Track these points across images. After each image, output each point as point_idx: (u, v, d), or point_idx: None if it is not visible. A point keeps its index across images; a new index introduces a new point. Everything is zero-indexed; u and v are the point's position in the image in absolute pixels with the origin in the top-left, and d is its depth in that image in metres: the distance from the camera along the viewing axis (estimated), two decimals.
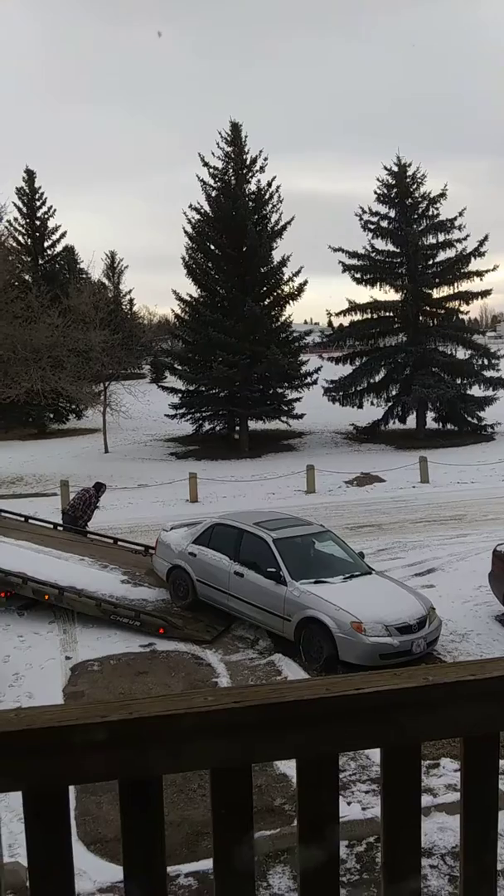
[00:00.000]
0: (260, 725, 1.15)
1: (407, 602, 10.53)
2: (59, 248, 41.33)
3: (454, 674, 1.23)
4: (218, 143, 32.18)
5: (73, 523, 15.64)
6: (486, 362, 32.64)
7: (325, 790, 1.21)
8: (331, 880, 1.22)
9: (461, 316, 34.74)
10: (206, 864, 5.40)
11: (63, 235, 40.97)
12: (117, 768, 1.12)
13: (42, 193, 40.32)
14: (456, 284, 33.09)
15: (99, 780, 1.13)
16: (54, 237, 40.89)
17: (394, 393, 33.17)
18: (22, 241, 39.81)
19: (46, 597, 11.94)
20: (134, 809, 1.16)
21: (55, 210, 40.60)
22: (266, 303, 32.57)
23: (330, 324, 35.35)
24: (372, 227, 33.19)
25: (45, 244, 40.74)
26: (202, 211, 32.13)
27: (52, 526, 15.42)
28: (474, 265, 32.71)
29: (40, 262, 40.30)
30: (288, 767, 6.67)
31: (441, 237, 32.89)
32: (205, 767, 1.16)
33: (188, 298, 32.90)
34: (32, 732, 1.08)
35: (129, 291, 63.53)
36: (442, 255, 33.10)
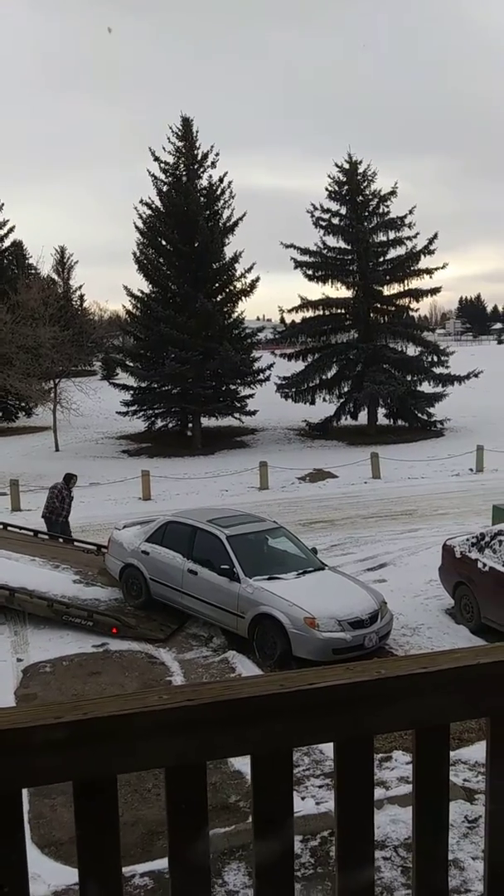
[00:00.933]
0: (215, 722, 1.15)
1: (359, 597, 10.63)
2: (6, 243, 40.73)
3: (406, 667, 1.25)
4: (169, 138, 32.06)
5: (50, 524, 15.31)
6: (435, 359, 33.08)
7: (279, 785, 1.22)
8: (286, 875, 1.23)
9: (411, 313, 35.28)
10: (162, 864, 5.38)
11: (11, 230, 40.46)
12: (72, 770, 1.12)
13: None
14: (406, 282, 33.50)
15: (53, 782, 1.12)
16: (2, 232, 40.28)
17: (345, 389, 33.44)
18: None
19: None
20: (88, 811, 1.15)
21: (2, 205, 39.99)
22: (218, 299, 32.52)
23: (282, 320, 35.47)
24: (324, 224, 33.39)
25: None
26: (153, 206, 31.94)
27: (32, 533, 14.92)
28: (424, 263, 33.18)
29: None
30: (242, 764, 6.69)
31: (391, 235, 33.28)
32: (160, 766, 1.16)
33: (139, 294, 32.69)
34: None
35: (80, 287, 63.02)
36: (392, 253, 33.48)
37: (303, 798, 6.44)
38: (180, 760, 1.16)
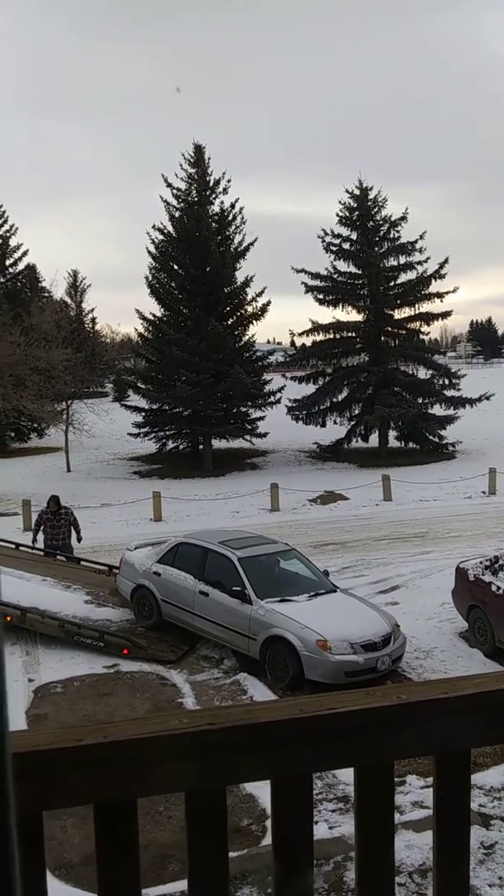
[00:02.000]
0: (235, 746, 1.15)
1: (371, 619, 10.56)
2: (20, 266, 41.10)
3: (426, 692, 1.25)
4: (181, 165, 32.39)
5: (51, 547, 14.93)
6: (446, 382, 33.06)
7: (299, 810, 1.22)
8: None
9: (422, 336, 35.29)
10: (173, 887, 5.33)
11: (25, 254, 40.78)
12: (92, 793, 1.12)
13: (3, 211, 40.13)
14: (417, 306, 33.58)
15: (73, 805, 1.13)
16: (16, 255, 40.67)
17: (356, 412, 33.43)
18: None
19: (9, 618, 11.74)
20: (109, 834, 1.15)
21: (17, 228, 40.44)
22: (230, 322, 32.68)
23: (293, 343, 35.62)
24: (334, 248, 33.57)
25: (7, 262, 40.47)
26: (165, 231, 32.21)
27: (43, 553, 14.81)
28: (434, 287, 33.24)
29: (2, 280, 40.04)
30: (254, 788, 6.63)
31: (402, 259, 33.39)
32: (180, 790, 1.17)
33: (151, 317, 32.89)
34: None
35: (92, 310, 63.53)
36: (403, 277, 33.59)
37: (316, 822, 6.38)
38: (200, 784, 1.16)
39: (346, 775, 1.23)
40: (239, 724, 1.16)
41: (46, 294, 41.29)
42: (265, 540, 12.71)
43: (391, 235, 33.52)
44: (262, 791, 6.57)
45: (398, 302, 33.55)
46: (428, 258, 33.09)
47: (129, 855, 1.17)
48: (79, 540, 15.13)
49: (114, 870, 1.17)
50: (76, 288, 61.94)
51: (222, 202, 32.52)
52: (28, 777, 1.09)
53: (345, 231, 33.70)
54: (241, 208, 32.47)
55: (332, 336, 34.29)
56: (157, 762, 1.13)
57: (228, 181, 32.40)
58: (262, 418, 32.34)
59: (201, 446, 32.47)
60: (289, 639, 10.11)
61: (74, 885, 5.68)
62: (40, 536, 14.99)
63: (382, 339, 33.92)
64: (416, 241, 33.05)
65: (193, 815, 1.18)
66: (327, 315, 34.60)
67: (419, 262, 33.12)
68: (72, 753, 1.10)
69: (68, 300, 55.06)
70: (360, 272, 33.57)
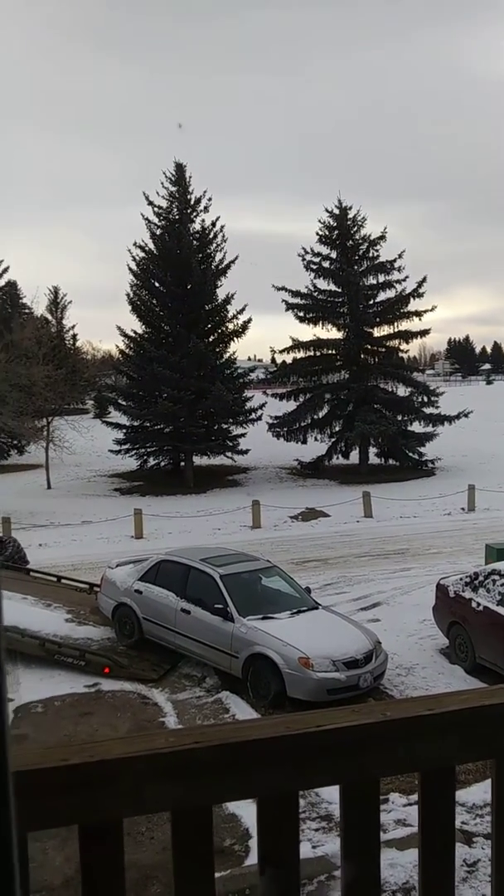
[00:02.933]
0: (221, 765, 1.15)
1: (353, 636, 10.57)
2: (1, 282, 41.01)
3: (411, 709, 1.26)
4: (163, 183, 32.52)
5: None
6: (425, 399, 33.28)
7: (286, 828, 1.22)
8: None
9: (401, 354, 35.52)
10: None
11: (6, 270, 40.74)
12: (77, 813, 1.11)
13: None
14: (396, 324, 33.86)
15: (58, 826, 1.12)
16: None
17: (337, 429, 33.55)
18: None
19: None
20: (94, 855, 1.14)
21: None
22: (211, 339, 32.76)
23: (274, 361, 35.76)
24: (314, 267, 33.81)
25: None
26: (147, 249, 32.30)
27: (25, 571, 14.84)
28: (413, 305, 33.57)
29: None
30: (237, 807, 6.58)
31: (381, 278, 33.69)
32: (166, 809, 1.16)
33: (133, 334, 32.90)
34: None
35: (73, 327, 63.27)
36: (382, 296, 33.88)
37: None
38: (186, 803, 1.16)
39: (329, 793, 1.23)
40: (226, 742, 1.16)
41: (27, 311, 41.21)
42: (247, 557, 12.69)
43: (370, 254, 33.84)
44: (244, 810, 6.52)
45: (377, 320, 33.80)
46: (406, 277, 33.48)
47: (114, 877, 1.16)
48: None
49: (99, 890, 1.16)
50: (57, 304, 61.80)
51: (203, 220, 32.74)
52: (12, 798, 1.08)
53: (325, 249, 34.01)
54: (223, 226, 32.69)
55: (312, 353, 34.46)
56: (144, 781, 1.13)
57: (209, 199, 32.63)
58: (243, 435, 32.36)
59: (182, 463, 32.42)
60: (271, 656, 10.09)
61: None
62: None
63: (362, 356, 34.14)
64: (394, 260, 33.42)
65: (179, 835, 1.17)
66: (308, 332, 34.91)
67: (398, 281, 33.48)
68: (58, 773, 1.09)
69: (49, 317, 54.97)
70: (339, 290, 33.82)
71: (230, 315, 32.96)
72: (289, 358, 34.98)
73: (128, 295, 32.60)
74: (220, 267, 32.53)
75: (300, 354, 34.54)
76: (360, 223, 33.86)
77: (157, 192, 32.38)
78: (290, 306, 33.79)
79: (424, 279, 33.47)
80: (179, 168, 32.53)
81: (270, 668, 10.08)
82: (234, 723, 1.31)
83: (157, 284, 32.44)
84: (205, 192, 32.69)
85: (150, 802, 1.15)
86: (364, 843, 1.26)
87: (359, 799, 1.24)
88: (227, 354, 33.55)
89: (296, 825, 1.23)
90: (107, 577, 12.80)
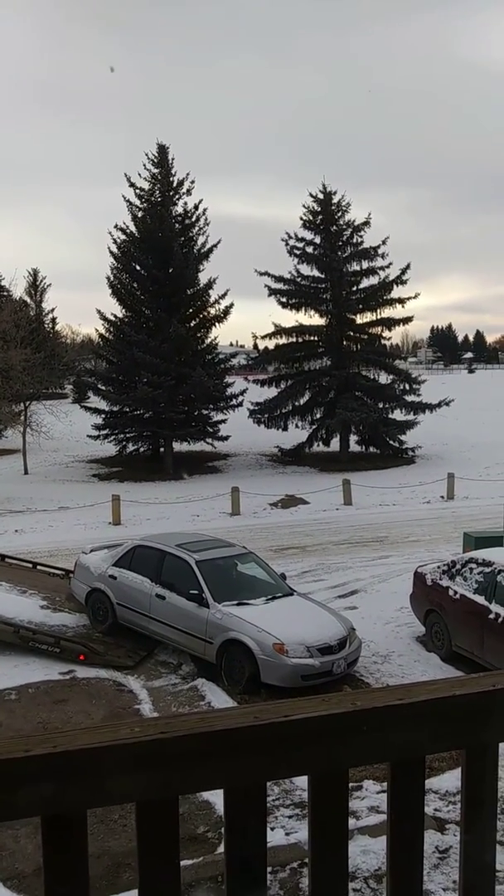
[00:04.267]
0: (188, 756, 1.13)
1: (327, 623, 10.64)
2: None
3: (381, 699, 1.24)
4: (145, 165, 32.29)
5: None
6: (407, 387, 33.39)
7: (252, 819, 1.20)
8: None
9: (384, 341, 35.57)
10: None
11: None
12: (40, 804, 1.09)
13: None
14: (379, 311, 33.90)
15: (21, 817, 1.09)
16: None
17: (318, 416, 33.59)
18: None
19: None
20: (57, 846, 1.12)
21: None
22: (192, 324, 32.65)
23: (255, 346, 35.74)
24: (298, 252, 33.73)
25: None
26: (128, 231, 32.05)
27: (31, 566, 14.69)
28: (396, 292, 33.64)
29: None
30: (211, 795, 6.59)
31: (365, 264, 33.66)
32: (131, 800, 1.14)
33: (113, 318, 32.69)
34: None
35: (52, 310, 62.79)
36: (365, 282, 33.89)
37: (272, 829, 6.36)
38: (152, 794, 1.13)
39: (303, 781, 1.21)
40: (192, 732, 1.14)
41: (5, 293, 40.76)
42: (223, 543, 12.69)
43: (354, 240, 33.81)
44: (218, 798, 6.49)
45: (360, 307, 33.81)
46: (390, 264, 33.50)
47: (78, 868, 1.14)
48: None
49: (62, 883, 1.13)
50: (36, 287, 61.28)
51: (186, 203, 32.57)
52: None
53: (308, 235, 33.95)
54: (205, 210, 32.54)
55: (294, 340, 34.43)
56: (108, 772, 1.10)
57: (192, 182, 32.45)
58: (223, 421, 32.33)
59: (162, 449, 32.33)
60: (245, 642, 10.14)
61: None
62: None
63: (344, 343, 34.17)
64: (378, 247, 33.39)
65: (144, 826, 1.15)
66: (290, 318, 34.85)
67: (381, 268, 33.49)
68: (20, 764, 1.07)
69: (28, 300, 54.47)
70: (323, 276, 33.78)
71: (212, 300, 32.91)
72: (271, 344, 34.98)
73: (108, 278, 32.42)
74: (203, 251, 32.38)
75: (282, 340, 34.53)
76: (344, 208, 33.83)
77: (139, 174, 32.22)
78: (272, 291, 33.70)
79: (408, 266, 33.58)
80: (162, 150, 32.28)
81: (245, 654, 10.13)
82: (201, 712, 1.29)
83: (138, 268, 32.22)
84: (187, 174, 32.58)
85: (115, 793, 1.13)
86: (332, 834, 1.25)
87: (327, 789, 1.23)
88: (209, 340, 33.50)
89: (263, 816, 1.21)
90: (80, 562, 12.75)
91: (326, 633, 10.31)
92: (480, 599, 10.43)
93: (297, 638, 10.07)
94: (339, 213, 33.83)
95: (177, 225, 32.10)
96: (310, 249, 33.80)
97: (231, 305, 32.90)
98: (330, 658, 10.03)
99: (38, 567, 14.42)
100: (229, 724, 1.17)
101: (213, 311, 33.08)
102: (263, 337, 34.84)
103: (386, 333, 34.92)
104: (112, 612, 11.94)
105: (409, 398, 33.14)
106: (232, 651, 10.32)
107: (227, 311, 32.90)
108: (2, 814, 1.09)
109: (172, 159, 32.40)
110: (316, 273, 33.92)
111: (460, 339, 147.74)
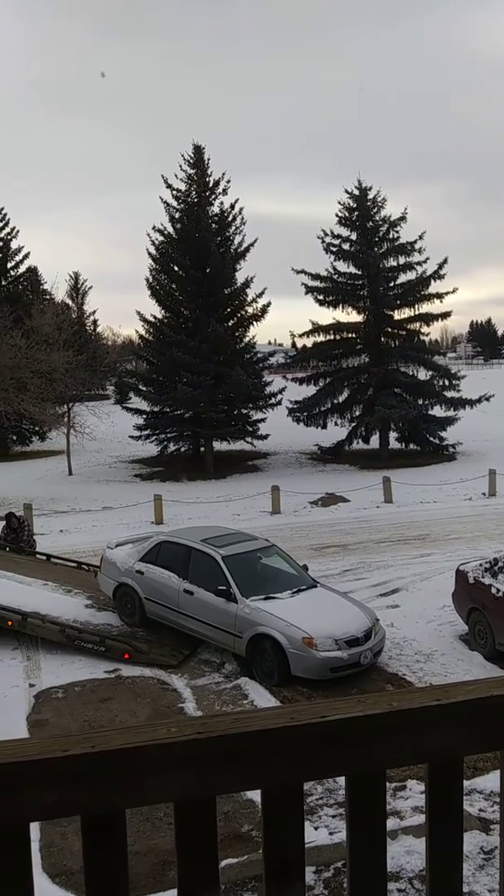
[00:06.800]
0: (224, 756, 1.14)
1: (353, 615, 10.78)
2: (21, 269, 41.08)
3: (419, 699, 1.23)
4: (181, 166, 32.44)
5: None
6: (446, 383, 33.03)
7: (290, 819, 1.20)
8: None
9: (422, 337, 35.23)
10: (173, 894, 5.30)
11: (26, 256, 40.74)
12: (79, 804, 1.10)
13: (4, 214, 40.14)
14: (416, 306, 33.56)
15: (60, 817, 1.11)
16: (17, 258, 40.64)
17: (357, 413, 33.41)
18: None
19: (9, 623, 11.75)
20: (96, 844, 1.13)
21: (18, 231, 40.46)
22: (230, 324, 32.69)
23: (293, 345, 35.63)
24: (334, 249, 33.57)
25: (8, 265, 40.45)
26: (166, 232, 32.24)
27: (45, 557, 15.03)
28: (434, 287, 33.25)
29: (3, 283, 40.01)
30: (254, 793, 6.60)
31: (401, 260, 33.37)
32: (168, 800, 1.15)
33: (152, 319, 32.92)
34: None
35: (93, 312, 63.44)
36: (403, 278, 33.59)
37: (316, 828, 6.35)
38: (189, 794, 1.14)
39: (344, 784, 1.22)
40: (228, 733, 1.15)
41: (47, 296, 41.30)
42: (246, 536, 12.77)
43: (391, 236, 33.53)
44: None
45: (398, 302, 33.54)
46: (427, 259, 33.14)
47: (117, 866, 1.15)
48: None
49: (102, 881, 1.15)
50: (77, 290, 61.96)
51: (222, 203, 32.61)
52: (15, 787, 1.07)
53: (344, 231, 33.74)
54: (241, 209, 32.55)
55: (332, 337, 34.30)
56: (145, 772, 1.11)
57: (228, 182, 32.50)
58: (262, 420, 32.33)
59: (202, 448, 32.46)
60: (275, 637, 10.28)
61: (74, 893, 5.67)
62: None
63: (382, 339, 33.92)
64: (415, 242, 33.08)
65: (183, 826, 1.16)
66: (327, 316, 34.63)
67: (419, 263, 33.15)
68: (59, 764, 1.08)
69: (69, 302, 55.08)
70: (359, 273, 33.58)
71: (249, 299, 32.89)
72: (309, 342, 34.88)
73: (147, 280, 32.64)
74: (240, 250, 32.42)
75: (320, 338, 34.41)
76: (380, 204, 33.57)
77: (176, 175, 32.35)
78: (309, 289, 33.59)
79: (445, 260, 33.19)
80: (198, 150, 32.39)
81: (274, 648, 10.29)
82: (238, 712, 1.30)
83: (176, 269, 32.39)
84: (223, 174, 32.63)
85: (153, 793, 1.14)
86: (371, 835, 1.25)
87: (365, 790, 1.23)
88: (247, 338, 33.53)
89: (300, 816, 1.21)
90: (107, 557, 12.89)
91: (353, 625, 10.47)
92: None
93: (325, 631, 10.22)
94: (375, 209, 33.59)
95: (213, 225, 32.19)
96: (346, 246, 33.63)
97: (268, 304, 32.93)
98: (357, 650, 10.20)
99: (83, 567, 14.58)
100: (265, 724, 1.17)
101: (250, 310, 33.11)
102: (301, 335, 34.80)
103: (424, 329, 34.63)
104: (140, 607, 12.08)
105: (449, 394, 32.78)
106: (261, 645, 10.48)
107: (264, 310, 32.91)
108: (42, 813, 1.11)
109: (208, 159, 32.53)
110: (353, 270, 33.73)
111: (500, 333, 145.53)
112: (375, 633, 10.61)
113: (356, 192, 33.42)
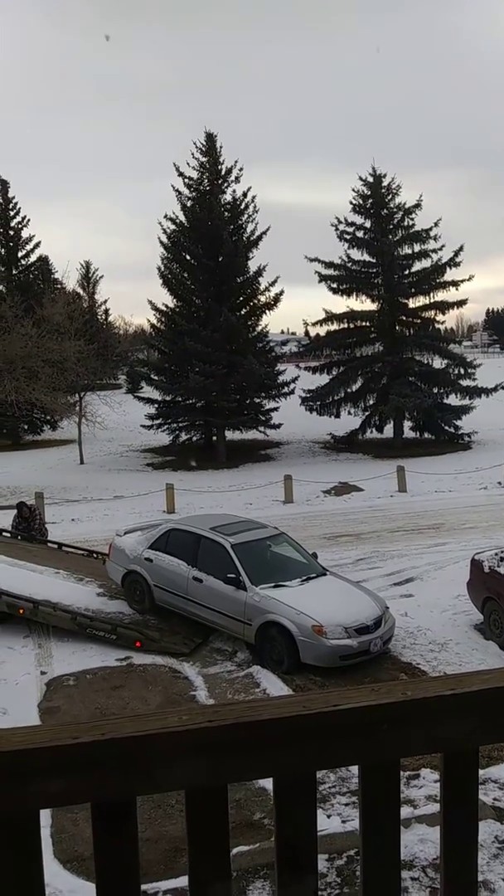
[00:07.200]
0: (235, 744, 1.12)
1: (363, 602, 10.80)
2: (32, 258, 41.14)
3: (432, 689, 1.21)
4: (193, 153, 32.33)
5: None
6: (462, 371, 32.87)
7: (302, 808, 1.19)
8: None
9: (437, 325, 35.08)
10: (185, 881, 5.32)
11: (37, 245, 40.82)
12: (89, 791, 1.10)
13: (16, 203, 40.17)
14: (431, 294, 33.36)
15: (70, 804, 1.10)
16: (28, 247, 40.71)
17: (371, 402, 33.30)
18: None
19: (21, 611, 11.81)
20: (107, 831, 1.13)
21: (29, 220, 40.49)
22: (243, 312, 32.62)
23: (307, 333, 35.60)
24: (348, 237, 33.41)
25: (19, 254, 40.54)
26: (177, 221, 32.16)
27: (57, 546, 15.14)
28: (449, 275, 33.06)
29: (14, 272, 40.09)
30: (267, 781, 6.61)
31: (416, 247, 33.19)
32: (179, 788, 1.14)
33: (164, 308, 32.89)
34: (1, 756, 1.05)
35: (105, 301, 63.40)
36: (417, 266, 33.39)
37: (329, 816, 6.36)
38: (200, 782, 1.13)
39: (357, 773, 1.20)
40: (240, 721, 1.13)
41: (59, 285, 41.31)
42: (255, 524, 12.77)
43: (405, 223, 33.32)
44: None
45: (412, 290, 33.34)
46: (443, 246, 32.97)
47: (128, 853, 1.14)
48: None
49: (112, 868, 1.14)
50: (88, 279, 61.93)
51: (234, 191, 32.49)
52: (25, 775, 1.06)
53: (358, 219, 33.57)
54: (254, 197, 32.43)
55: (346, 325, 34.17)
56: (156, 760, 1.10)
57: (241, 169, 32.38)
58: (275, 409, 32.29)
59: (214, 438, 32.47)
60: (285, 625, 10.31)
61: (86, 879, 5.70)
62: None
63: (397, 328, 33.77)
64: (430, 229, 32.87)
65: (194, 814, 1.15)
66: (341, 304, 34.52)
67: (434, 250, 32.97)
68: (69, 751, 1.07)
69: (81, 291, 55.06)
70: (373, 260, 33.41)
71: (262, 287, 32.82)
72: (322, 330, 34.81)
73: (159, 268, 32.61)
74: (252, 238, 32.31)
75: (334, 327, 34.30)
76: (394, 191, 33.38)
77: (188, 163, 32.27)
78: (323, 277, 33.45)
79: (461, 248, 32.97)
80: (210, 138, 32.26)
81: (284, 636, 10.32)
82: (249, 700, 1.29)
83: (188, 257, 32.33)
84: (236, 161, 32.52)
85: (163, 781, 1.13)
86: (384, 824, 1.23)
87: (378, 779, 1.21)
88: (259, 327, 33.47)
89: (313, 805, 1.20)
90: (115, 544, 12.92)
91: (363, 612, 10.48)
92: None
93: (334, 619, 10.24)
94: (390, 196, 33.39)
95: (226, 213, 32.08)
96: (360, 234, 33.46)
97: (281, 293, 32.83)
98: (367, 637, 10.21)
99: (94, 555, 14.63)
100: (277, 713, 1.15)
101: (263, 298, 33.03)
102: (314, 324, 34.74)
103: (439, 317, 34.49)
104: (149, 594, 12.13)
105: (465, 383, 32.61)
106: (271, 633, 10.51)
107: (277, 299, 32.81)
108: (53, 800, 1.10)
109: (220, 147, 32.39)
110: (367, 258, 33.58)
111: None
112: (385, 620, 10.62)
113: (370, 180, 33.23)
